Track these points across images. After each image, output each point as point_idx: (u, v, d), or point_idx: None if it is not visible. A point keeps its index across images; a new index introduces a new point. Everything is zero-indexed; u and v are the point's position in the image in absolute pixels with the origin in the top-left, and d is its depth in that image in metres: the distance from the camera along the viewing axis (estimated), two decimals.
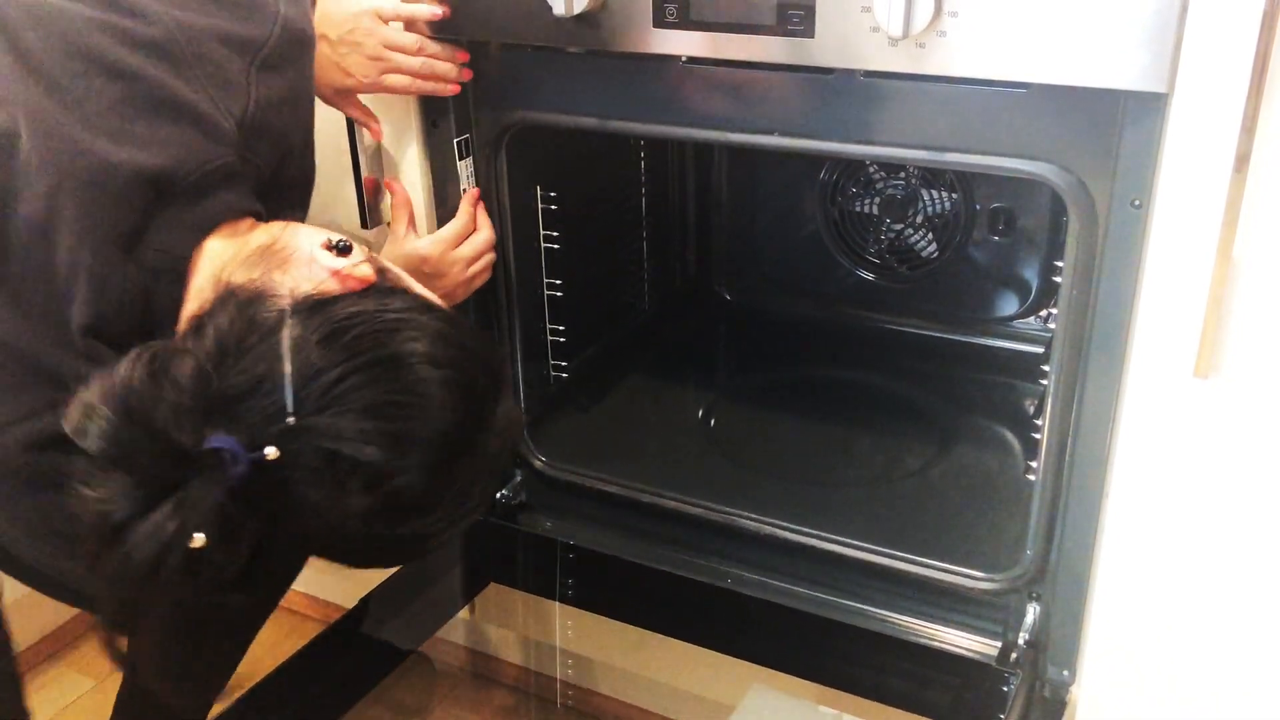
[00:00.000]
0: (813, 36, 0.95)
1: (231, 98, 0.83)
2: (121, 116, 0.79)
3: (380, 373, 0.70)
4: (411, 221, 1.21)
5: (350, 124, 1.19)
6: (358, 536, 0.73)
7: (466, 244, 1.21)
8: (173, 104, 0.81)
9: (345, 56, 1.09)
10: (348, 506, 0.69)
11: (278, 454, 0.66)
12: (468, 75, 1.16)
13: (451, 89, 1.16)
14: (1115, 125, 0.91)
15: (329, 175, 1.26)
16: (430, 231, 1.25)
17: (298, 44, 0.90)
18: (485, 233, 1.23)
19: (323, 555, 0.76)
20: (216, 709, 1.08)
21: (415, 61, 1.11)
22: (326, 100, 1.14)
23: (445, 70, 1.14)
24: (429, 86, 1.15)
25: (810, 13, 0.94)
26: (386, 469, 0.69)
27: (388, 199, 1.25)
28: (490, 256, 1.25)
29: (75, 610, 1.63)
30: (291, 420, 0.67)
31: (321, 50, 1.07)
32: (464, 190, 1.23)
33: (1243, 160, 0.83)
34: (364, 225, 1.26)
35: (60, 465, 0.70)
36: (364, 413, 0.69)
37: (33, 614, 1.58)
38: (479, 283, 1.25)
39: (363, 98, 1.16)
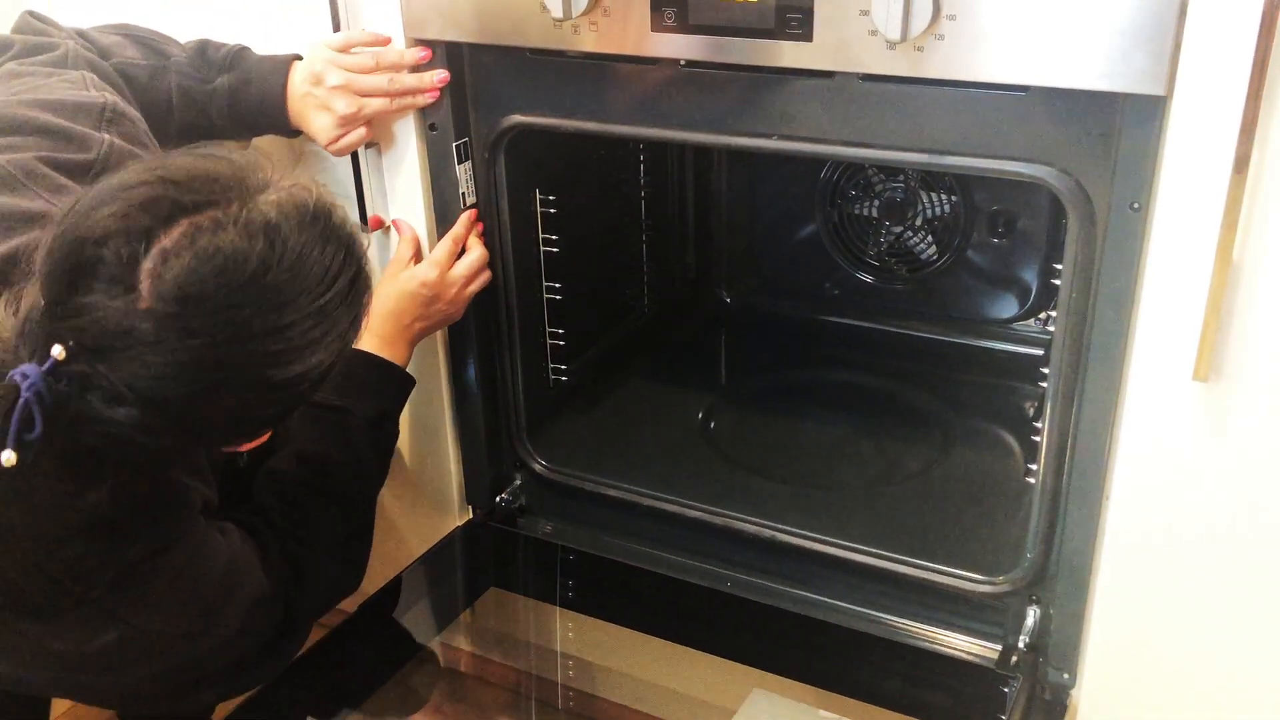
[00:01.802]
0: (811, 40, 0.95)
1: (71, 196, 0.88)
2: None
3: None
4: (416, 256, 1.24)
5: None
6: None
7: (460, 263, 1.23)
8: (11, 216, 0.87)
9: (320, 96, 1.14)
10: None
11: (63, 354, 0.71)
12: (444, 79, 1.16)
13: (427, 98, 1.17)
14: (1114, 128, 0.91)
15: (329, 177, 1.27)
16: (429, 235, 1.25)
17: (129, 160, 0.94)
18: (477, 251, 1.25)
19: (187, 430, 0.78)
20: (218, 713, 1.09)
21: (379, 79, 1.14)
22: (335, 151, 1.18)
23: (412, 82, 1.15)
24: (405, 101, 1.16)
25: (808, 16, 0.94)
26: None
27: (385, 207, 1.25)
28: (486, 275, 1.26)
29: None
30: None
31: (306, 101, 1.15)
32: (462, 194, 1.23)
33: (1243, 162, 0.83)
34: (365, 229, 1.26)
35: None
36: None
37: None
38: (469, 299, 1.26)
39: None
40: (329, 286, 0.78)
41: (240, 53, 1.16)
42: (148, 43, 1.14)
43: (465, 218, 1.24)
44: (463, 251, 1.24)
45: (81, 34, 1.10)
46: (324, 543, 1.07)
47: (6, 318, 0.76)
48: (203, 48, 1.16)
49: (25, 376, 0.71)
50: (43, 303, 0.73)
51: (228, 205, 0.74)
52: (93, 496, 0.80)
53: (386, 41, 1.15)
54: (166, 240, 0.72)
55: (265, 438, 0.88)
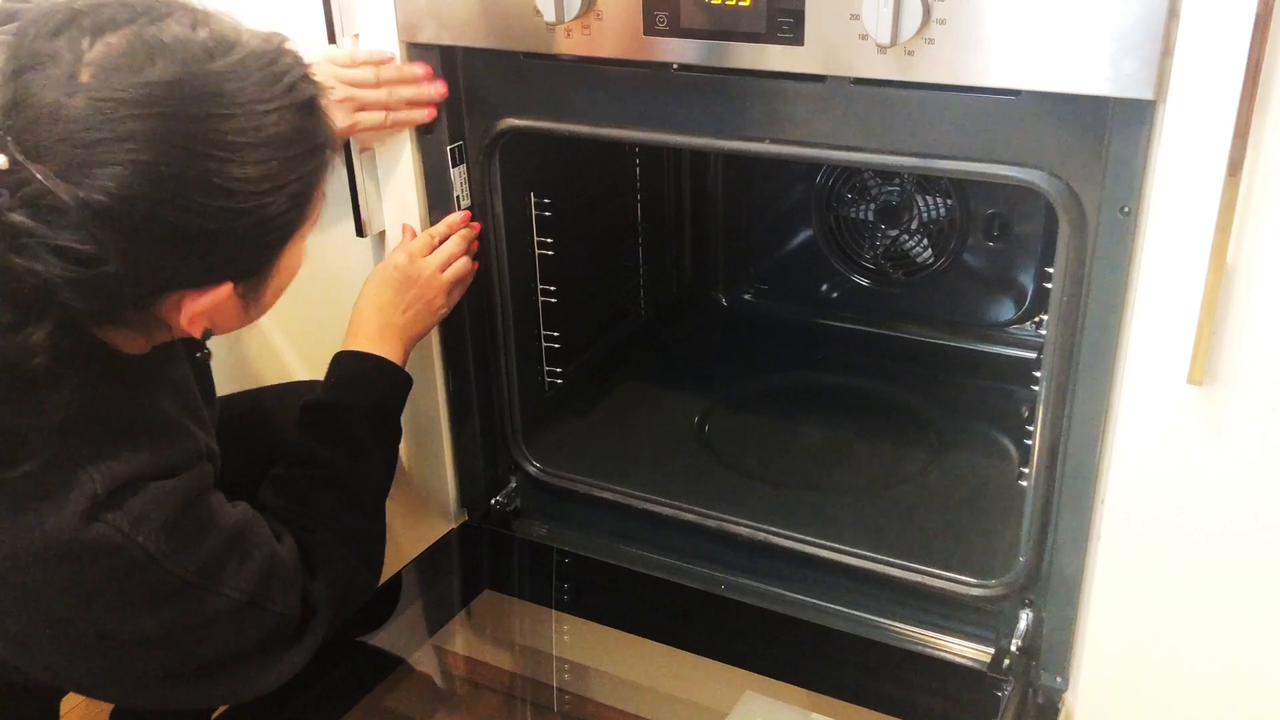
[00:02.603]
0: (802, 44, 0.95)
1: None
2: None
3: None
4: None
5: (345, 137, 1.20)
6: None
7: (437, 252, 1.22)
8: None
9: None
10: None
11: (6, 163, 0.70)
12: (441, 94, 1.17)
13: (427, 115, 1.18)
14: (1103, 132, 0.91)
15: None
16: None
17: None
18: (455, 240, 1.24)
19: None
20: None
21: (379, 93, 1.14)
22: None
23: (411, 95, 1.16)
24: (402, 118, 1.17)
25: (799, 20, 0.94)
26: None
27: (381, 211, 1.25)
28: (464, 262, 1.25)
29: None
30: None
31: None
32: (457, 198, 1.24)
33: (1236, 166, 0.82)
34: (359, 234, 1.26)
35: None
36: None
37: None
38: (458, 293, 1.26)
39: None
40: (275, 101, 0.78)
41: None
42: None
43: (451, 217, 1.24)
44: None
45: None
46: (333, 531, 1.06)
47: None
48: None
49: None
50: None
51: (174, 14, 0.77)
52: (36, 336, 0.76)
53: (391, 59, 1.15)
54: (112, 36, 0.74)
55: (221, 297, 0.83)
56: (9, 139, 0.71)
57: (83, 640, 0.88)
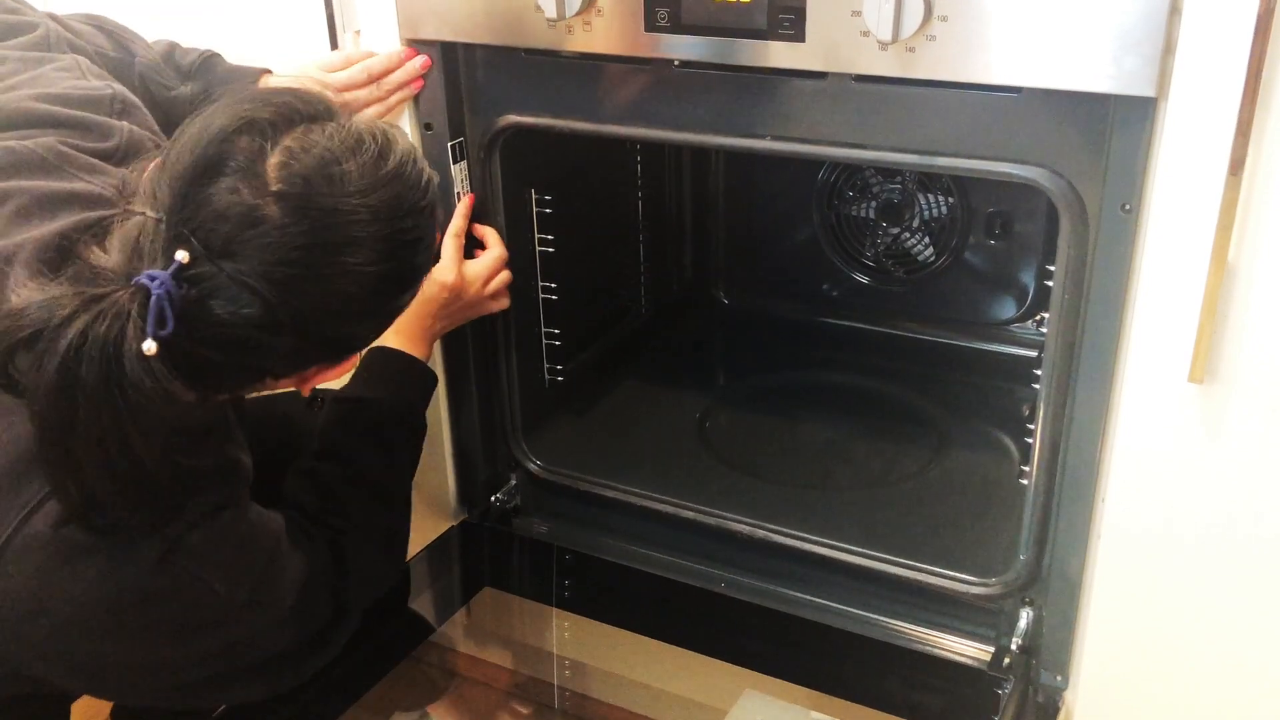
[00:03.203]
0: (804, 40, 0.95)
1: (105, 176, 0.94)
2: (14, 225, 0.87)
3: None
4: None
5: None
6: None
7: (478, 262, 1.25)
8: (54, 197, 0.89)
9: None
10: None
11: (188, 257, 0.74)
12: (426, 64, 1.17)
13: (414, 89, 1.19)
14: (1105, 129, 0.91)
15: None
16: None
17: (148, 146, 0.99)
18: (496, 250, 1.26)
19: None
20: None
21: (372, 90, 1.16)
22: None
23: (398, 79, 1.17)
24: (394, 100, 1.18)
25: (801, 17, 0.94)
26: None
27: None
28: (506, 274, 1.28)
29: None
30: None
31: None
32: (457, 194, 1.23)
33: (1238, 164, 0.82)
34: None
35: (81, 535, 0.82)
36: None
37: None
38: (503, 302, 1.29)
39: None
40: (424, 194, 0.85)
41: (208, 60, 1.16)
42: (116, 35, 1.14)
43: (461, 207, 1.24)
44: (470, 246, 1.26)
45: (54, 17, 1.09)
46: (362, 530, 1.07)
47: (102, 256, 0.77)
48: (170, 51, 1.16)
49: (153, 278, 0.74)
50: (158, 216, 0.76)
51: (334, 117, 0.82)
52: (204, 412, 0.84)
53: (374, 56, 1.17)
54: (288, 138, 0.78)
55: (348, 367, 0.91)
56: (191, 238, 0.75)
57: (139, 664, 0.91)
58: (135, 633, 0.87)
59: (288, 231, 0.76)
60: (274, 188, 0.76)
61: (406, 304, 0.89)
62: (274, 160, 0.77)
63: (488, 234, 1.26)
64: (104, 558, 0.83)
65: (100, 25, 1.13)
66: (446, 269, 1.21)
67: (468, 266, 1.24)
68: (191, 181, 0.76)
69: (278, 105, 0.80)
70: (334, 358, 0.89)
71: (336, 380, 0.95)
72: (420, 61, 1.16)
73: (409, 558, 1.34)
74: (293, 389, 0.93)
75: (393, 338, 1.17)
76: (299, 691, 1.09)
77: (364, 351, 1.15)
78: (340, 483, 1.08)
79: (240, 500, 0.93)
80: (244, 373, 0.84)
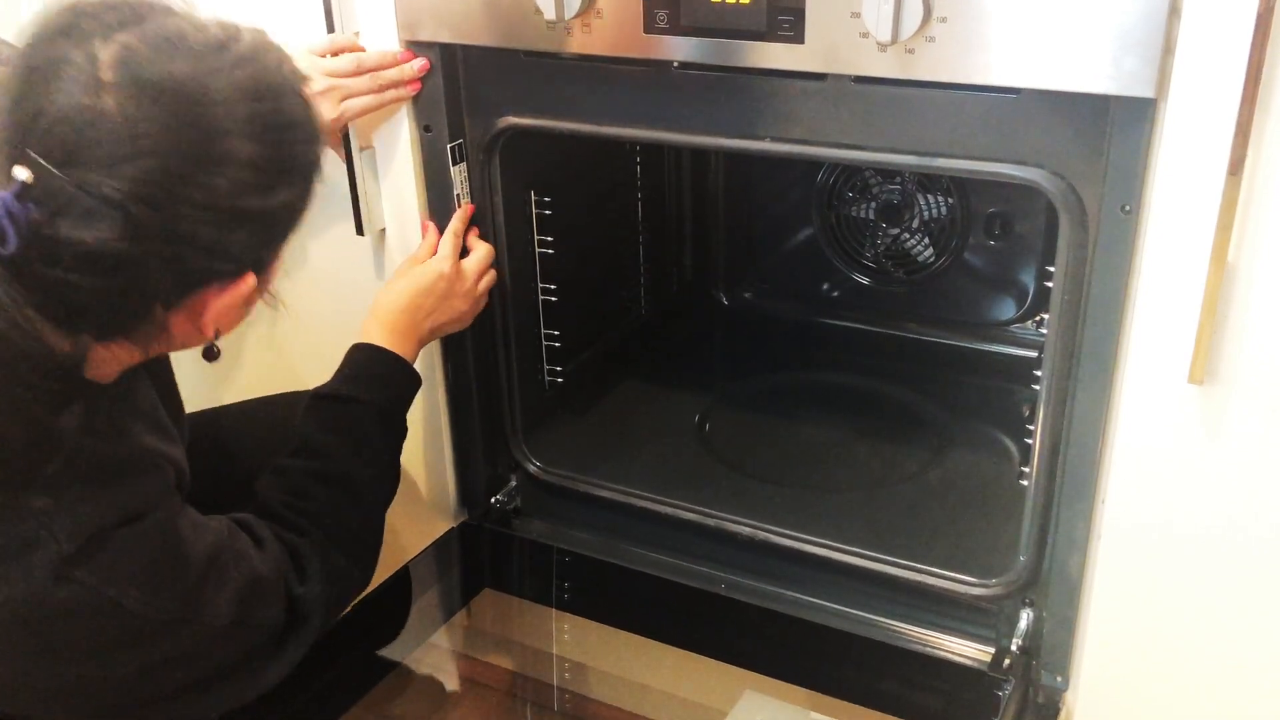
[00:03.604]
0: (803, 42, 0.95)
1: None
2: None
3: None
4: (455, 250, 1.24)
5: (345, 132, 1.20)
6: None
7: (471, 259, 1.24)
8: None
9: None
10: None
11: (30, 175, 0.70)
12: (424, 68, 1.17)
13: (410, 90, 1.18)
14: (1104, 130, 0.91)
15: (324, 179, 1.27)
16: (423, 238, 1.25)
17: None
18: (484, 246, 1.26)
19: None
20: None
21: (362, 81, 1.14)
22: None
23: (394, 76, 1.16)
24: (388, 97, 1.17)
25: (800, 18, 0.94)
26: None
27: (381, 209, 1.25)
28: (492, 275, 1.27)
29: None
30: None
31: None
32: (457, 196, 1.23)
33: (1237, 165, 0.82)
34: (359, 232, 1.26)
35: None
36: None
37: None
38: (483, 302, 1.27)
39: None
40: (284, 76, 0.81)
41: None
42: None
43: (461, 212, 1.24)
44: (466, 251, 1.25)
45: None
46: (330, 532, 1.03)
47: None
48: None
49: None
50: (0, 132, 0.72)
51: (171, 14, 0.77)
52: (68, 351, 0.76)
53: (361, 50, 1.16)
54: (123, 33, 0.73)
55: (245, 291, 0.83)
56: (32, 151, 0.70)
57: (66, 684, 0.87)
58: (50, 651, 0.83)
59: (134, 123, 0.71)
60: (109, 78, 0.71)
61: (296, 208, 0.83)
62: (108, 54, 0.72)
63: (472, 239, 1.26)
64: (2, 568, 0.79)
65: None
66: (444, 259, 1.21)
67: (464, 261, 1.23)
68: (21, 93, 0.71)
69: (107, 3, 0.75)
70: (222, 276, 0.80)
71: (240, 325, 0.88)
72: (419, 64, 1.16)
73: (409, 559, 1.34)
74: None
75: (380, 334, 1.16)
76: (298, 693, 1.10)
77: (350, 349, 1.15)
78: (309, 478, 1.05)
79: (163, 505, 0.87)
80: (119, 300, 0.76)
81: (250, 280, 0.82)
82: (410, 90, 1.18)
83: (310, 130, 0.83)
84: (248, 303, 0.85)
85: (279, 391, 1.34)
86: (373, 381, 1.13)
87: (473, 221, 1.26)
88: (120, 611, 0.83)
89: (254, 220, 0.79)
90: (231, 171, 0.75)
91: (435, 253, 1.22)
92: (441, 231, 1.23)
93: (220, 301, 0.82)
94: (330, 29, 1.15)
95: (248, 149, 0.76)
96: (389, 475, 1.15)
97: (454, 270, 1.21)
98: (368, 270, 1.31)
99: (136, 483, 0.86)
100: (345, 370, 1.14)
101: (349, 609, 1.21)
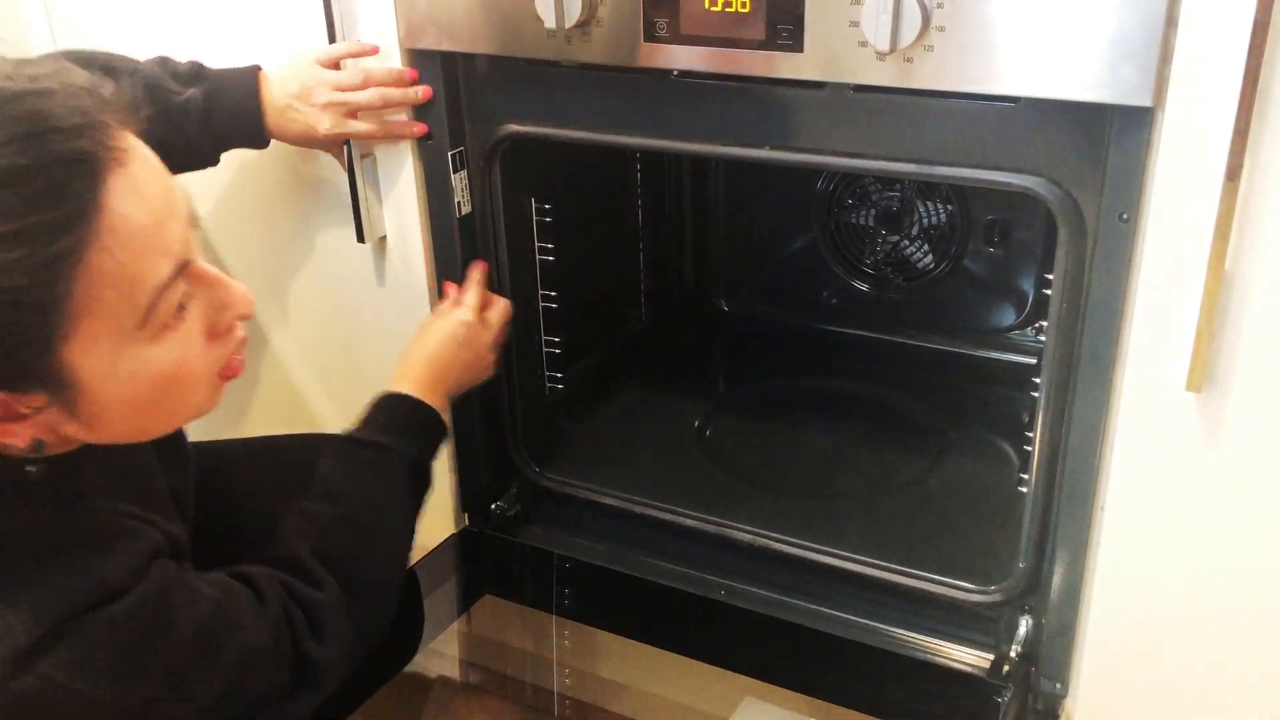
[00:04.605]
0: (802, 51, 0.95)
1: None
2: None
3: None
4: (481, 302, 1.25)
5: (346, 140, 1.20)
6: None
7: (493, 311, 1.25)
8: None
9: (306, 112, 1.14)
10: None
11: None
12: (427, 94, 1.17)
13: (418, 130, 1.19)
14: (1102, 139, 0.91)
15: (325, 186, 1.27)
16: (425, 246, 1.25)
17: None
18: (503, 302, 1.27)
19: None
20: None
21: (366, 95, 1.15)
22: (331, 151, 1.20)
23: (398, 96, 1.16)
24: (395, 132, 1.18)
25: (799, 27, 0.94)
26: None
27: (382, 216, 1.26)
28: (507, 328, 1.28)
29: None
30: None
31: (287, 114, 1.14)
32: (458, 203, 1.24)
33: (1234, 172, 0.83)
34: (359, 239, 1.26)
35: None
36: None
37: None
38: (496, 355, 1.26)
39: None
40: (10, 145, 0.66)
41: (201, 67, 1.14)
42: (104, 63, 1.07)
43: (479, 266, 1.26)
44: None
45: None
46: (352, 587, 0.97)
47: None
48: (163, 62, 1.14)
49: None
50: None
51: None
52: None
53: (374, 50, 1.15)
54: None
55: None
56: None
57: None
58: None
59: None
60: None
61: (28, 327, 0.67)
62: None
63: (488, 293, 1.27)
64: None
65: (87, 59, 1.05)
66: (467, 309, 1.22)
67: (486, 313, 1.24)
68: None
69: None
70: None
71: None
72: (420, 91, 1.17)
73: (411, 564, 1.34)
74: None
75: (412, 384, 1.13)
76: None
77: (376, 395, 1.12)
78: (336, 525, 1.00)
79: (149, 577, 0.79)
80: None
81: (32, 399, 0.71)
82: (417, 130, 1.19)
83: (57, 211, 0.67)
84: (40, 425, 0.73)
85: (278, 403, 1.34)
86: (406, 431, 1.10)
87: (474, 228, 1.27)
88: (88, 705, 0.75)
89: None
90: None
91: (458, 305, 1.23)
92: (458, 293, 1.25)
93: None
94: (332, 38, 1.15)
95: None
96: (411, 529, 1.10)
97: (474, 319, 1.22)
98: (368, 277, 1.31)
99: (109, 556, 0.77)
100: (378, 417, 1.10)
101: None
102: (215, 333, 0.79)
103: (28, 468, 0.77)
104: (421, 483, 1.10)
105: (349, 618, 0.96)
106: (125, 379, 0.73)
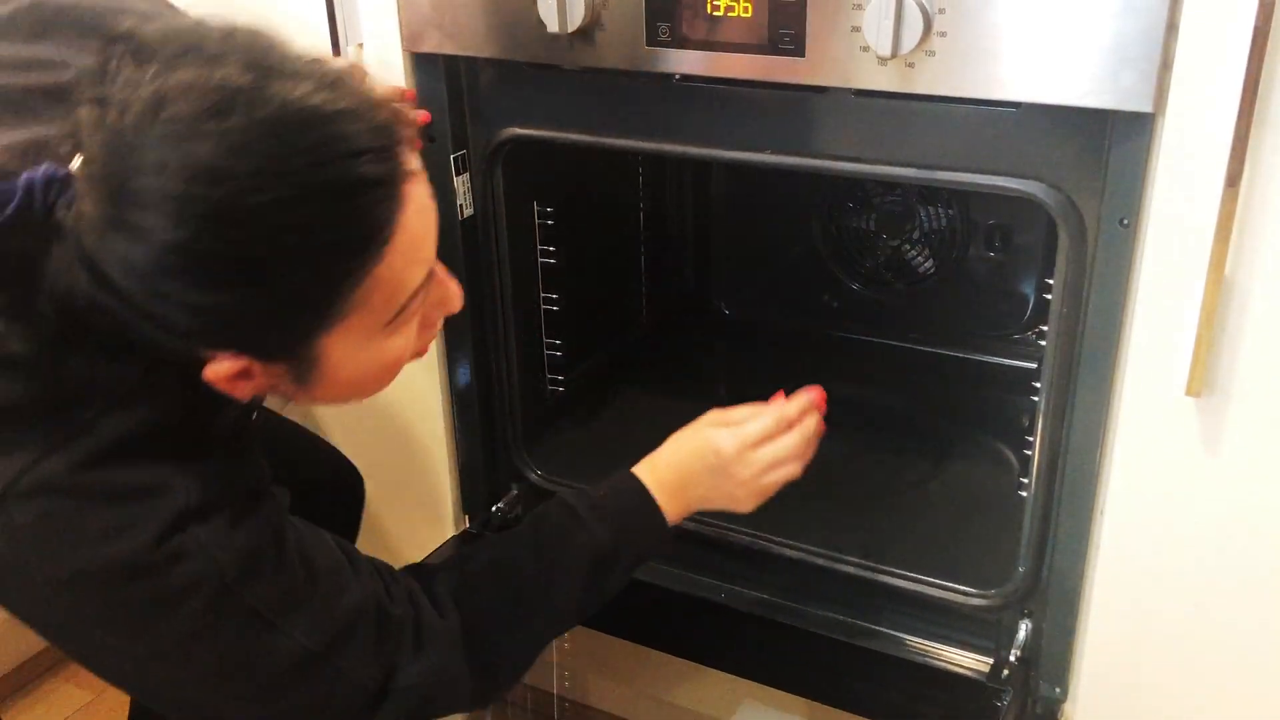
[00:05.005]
0: (803, 55, 0.96)
1: None
2: None
3: None
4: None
5: None
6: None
7: (769, 447, 1.04)
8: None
9: None
10: None
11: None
12: (424, 118, 1.17)
13: (420, 118, 1.17)
14: (1103, 144, 0.91)
15: None
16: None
17: None
18: (795, 436, 1.05)
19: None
20: None
21: None
22: None
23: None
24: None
25: (801, 32, 0.95)
26: None
27: None
28: (793, 469, 1.06)
29: None
30: None
31: None
32: (460, 205, 1.24)
33: (1234, 177, 0.83)
34: None
35: (107, 478, 0.75)
36: None
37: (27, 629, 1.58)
38: (768, 494, 1.06)
39: None
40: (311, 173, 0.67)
41: None
42: None
43: (805, 398, 1.08)
44: None
45: None
46: (470, 633, 0.91)
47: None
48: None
49: (36, 169, 0.68)
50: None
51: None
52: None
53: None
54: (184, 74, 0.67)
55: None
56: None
57: (135, 660, 0.80)
58: (124, 609, 0.77)
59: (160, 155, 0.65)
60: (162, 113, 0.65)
61: (296, 316, 0.72)
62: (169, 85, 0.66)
63: (791, 436, 1.05)
64: (106, 515, 0.75)
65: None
66: (730, 436, 1.04)
67: (755, 452, 1.04)
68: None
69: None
70: (202, 341, 0.72)
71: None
72: (418, 114, 1.16)
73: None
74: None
75: (653, 482, 1.02)
76: None
77: (628, 477, 1.02)
78: (485, 578, 0.95)
79: (273, 506, 0.83)
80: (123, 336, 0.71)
81: (240, 361, 0.74)
82: (420, 118, 1.17)
83: (351, 232, 0.71)
84: (267, 385, 0.78)
85: (275, 407, 1.33)
86: (616, 515, 0.99)
87: (476, 231, 1.27)
88: (216, 581, 0.77)
89: (234, 304, 0.70)
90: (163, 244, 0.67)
91: (748, 421, 1.06)
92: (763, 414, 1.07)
93: (215, 369, 0.74)
94: (335, 41, 1.15)
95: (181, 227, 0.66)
96: (568, 621, 1.01)
97: (734, 452, 1.03)
98: None
99: (251, 466, 0.84)
100: (612, 502, 1.00)
101: None
102: (428, 323, 0.82)
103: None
104: (603, 578, 0.99)
105: (451, 651, 0.90)
106: (361, 363, 0.78)
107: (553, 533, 0.98)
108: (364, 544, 1.50)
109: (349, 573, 0.86)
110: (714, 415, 1.08)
